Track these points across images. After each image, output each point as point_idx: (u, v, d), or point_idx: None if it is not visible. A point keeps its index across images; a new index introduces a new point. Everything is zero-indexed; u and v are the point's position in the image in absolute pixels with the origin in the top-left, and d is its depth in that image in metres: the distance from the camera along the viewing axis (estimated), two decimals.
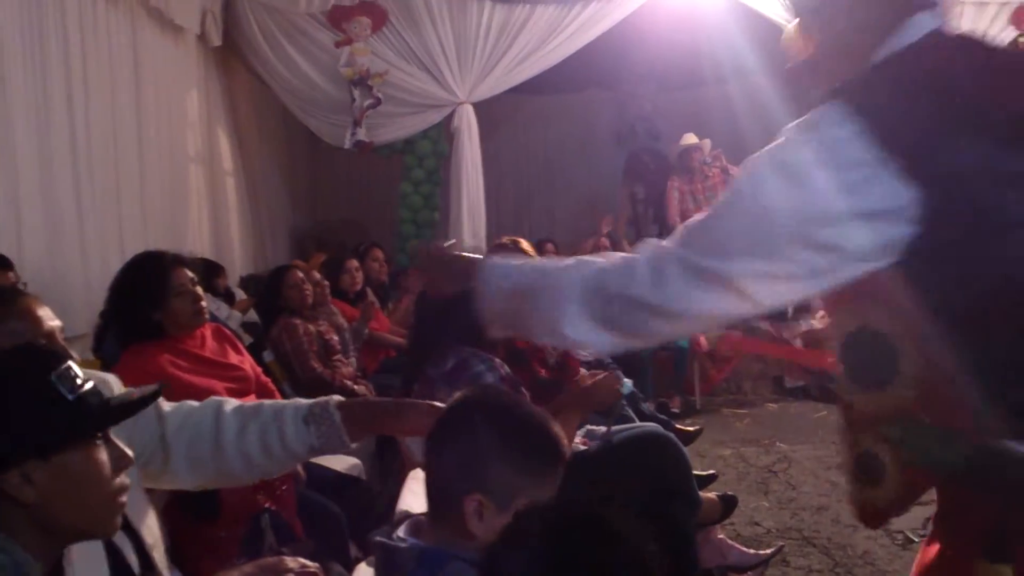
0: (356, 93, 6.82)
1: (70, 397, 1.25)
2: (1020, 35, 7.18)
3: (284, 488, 2.75)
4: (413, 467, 2.67)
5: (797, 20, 1.55)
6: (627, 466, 2.80)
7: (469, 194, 7.21)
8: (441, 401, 2.49)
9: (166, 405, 1.85)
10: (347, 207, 8.86)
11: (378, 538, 1.52)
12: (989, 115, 1.25)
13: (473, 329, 2.67)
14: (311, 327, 4.56)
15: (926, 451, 1.37)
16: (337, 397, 1.87)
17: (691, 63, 8.68)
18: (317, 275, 4.99)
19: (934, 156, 1.22)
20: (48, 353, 1.31)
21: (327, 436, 1.80)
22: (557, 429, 1.54)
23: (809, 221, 1.26)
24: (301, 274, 4.66)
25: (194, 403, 1.89)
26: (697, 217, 1.40)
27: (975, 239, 1.22)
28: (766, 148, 1.33)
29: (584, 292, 1.44)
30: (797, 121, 1.33)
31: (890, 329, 1.36)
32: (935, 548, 1.43)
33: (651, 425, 3.41)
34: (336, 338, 4.70)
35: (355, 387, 4.47)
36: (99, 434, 1.31)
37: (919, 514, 3.29)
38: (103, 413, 1.30)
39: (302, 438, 1.80)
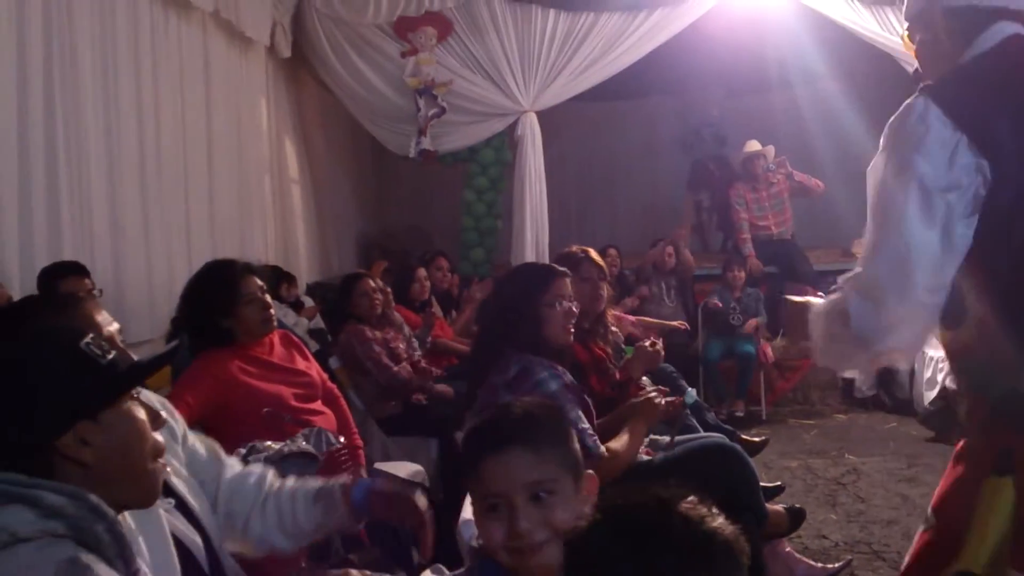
0: (421, 102, 6.88)
1: (103, 361, 1.35)
2: None
3: None
4: None
5: (908, 25, 1.83)
6: (691, 477, 2.77)
7: (532, 202, 7.22)
8: None
9: (229, 470, 1.96)
10: (412, 215, 8.94)
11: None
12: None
13: (535, 338, 2.70)
14: (378, 334, 4.61)
15: (979, 382, 1.66)
16: (345, 479, 1.96)
17: (757, 68, 8.58)
18: (380, 283, 5.05)
19: (997, 136, 1.54)
20: (73, 327, 1.41)
21: (335, 516, 1.89)
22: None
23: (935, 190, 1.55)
24: (372, 283, 4.72)
25: (249, 474, 1.98)
26: None
27: (1020, 204, 1.53)
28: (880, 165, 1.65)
29: None
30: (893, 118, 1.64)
31: (961, 278, 1.60)
32: (960, 469, 1.70)
33: (716, 436, 3.37)
34: (402, 345, 4.75)
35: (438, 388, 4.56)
36: (135, 392, 1.41)
37: None
38: (135, 370, 1.41)
39: (311, 517, 1.90)
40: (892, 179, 1.60)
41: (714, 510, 1.20)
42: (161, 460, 1.45)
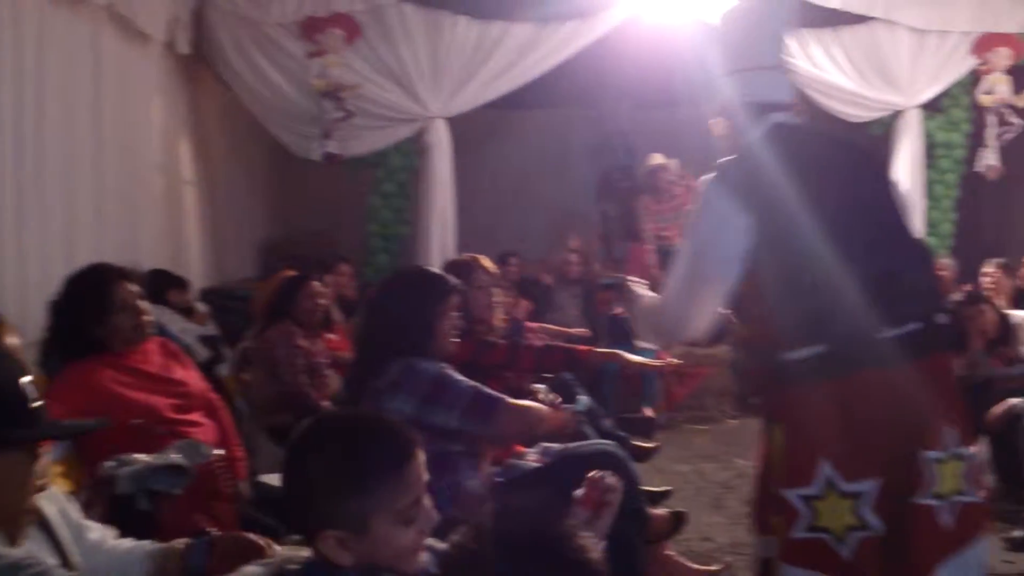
0: (327, 105, 6.81)
1: (30, 405, 1.42)
2: (981, 63, 7.27)
3: (223, 507, 2.75)
4: None
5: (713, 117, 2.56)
6: (572, 483, 2.82)
7: (440, 209, 7.22)
8: (394, 412, 2.53)
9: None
10: (316, 220, 8.81)
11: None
12: (794, 187, 2.22)
13: (424, 347, 2.71)
14: (305, 343, 4.51)
15: (760, 359, 2.40)
16: (184, 541, 1.97)
17: (666, 83, 8.70)
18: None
19: (762, 198, 2.23)
20: (21, 363, 1.50)
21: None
22: (392, 428, 1.56)
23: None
24: (319, 288, 4.64)
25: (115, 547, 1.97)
26: None
27: (774, 249, 2.23)
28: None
29: None
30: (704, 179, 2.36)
31: (747, 290, 2.31)
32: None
33: (601, 442, 3.43)
34: (323, 361, 4.63)
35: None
36: (39, 446, 1.45)
37: None
38: (53, 427, 1.49)
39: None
40: (691, 230, 2.38)
41: (591, 536, 1.28)
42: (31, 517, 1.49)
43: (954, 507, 2.12)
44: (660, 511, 3.50)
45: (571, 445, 3.14)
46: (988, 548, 2.29)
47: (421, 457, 1.54)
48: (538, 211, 10.13)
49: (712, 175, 2.30)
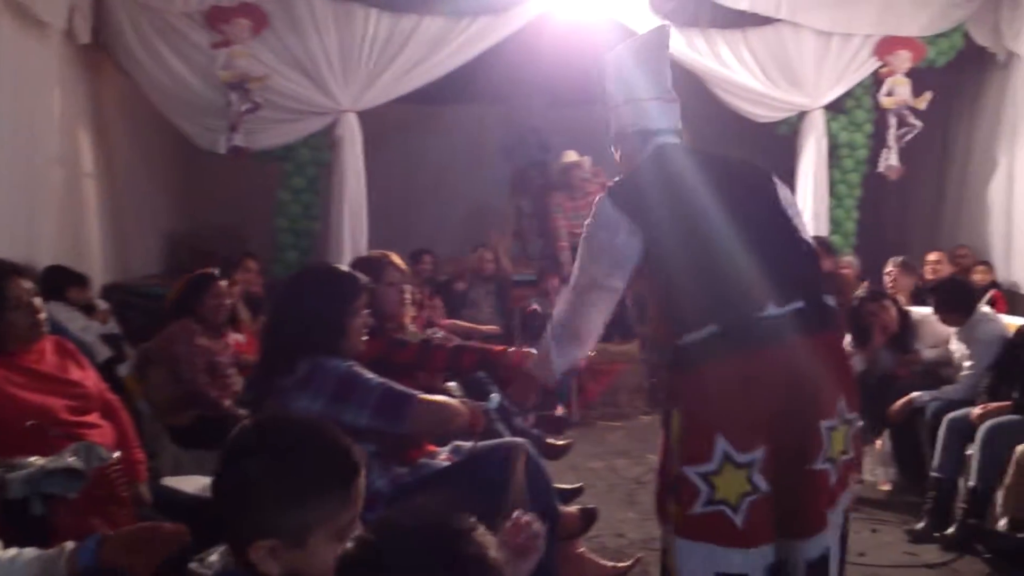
0: (233, 97, 6.64)
1: None
2: (882, 65, 7.51)
3: (122, 511, 2.64)
4: None
5: (612, 143, 2.88)
6: (484, 482, 2.80)
7: (351, 204, 7.11)
8: (300, 411, 2.46)
9: None
10: (223, 214, 8.57)
11: (191, 566, 1.48)
12: (675, 199, 2.60)
13: (334, 347, 2.65)
14: (205, 342, 4.39)
15: (659, 353, 2.96)
16: (71, 544, 1.89)
17: (580, 80, 8.74)
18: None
19: (647, 214, 2.56)
20: None
21: None
22: (341, 442, 1.50)
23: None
24: (225, 288, 4.54)
25: None
26: None
27: (662, 254, 2.54)
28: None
29: None
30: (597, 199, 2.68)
31: (646, 295, 2.75)
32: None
33: (511, 440, 3.40)
34: (225, 361, 4.52)
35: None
36: None
37: None
38: None
39: None
40: (586, 240, 2.68)
41: (490, 538, 1.29)
42: None
43: (837, 466, 2.45)
44: (571, 509, 3.49)
45: (482, 444, 3.10)
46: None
47: (363, 473, 1.50)
48: (452, 207, 10.09)
49: (605, 193, 2.67)
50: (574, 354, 2.83)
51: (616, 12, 7.13)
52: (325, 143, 7.13)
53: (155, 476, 3.19)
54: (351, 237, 7.09)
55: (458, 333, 5.79)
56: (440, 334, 5.44)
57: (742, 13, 7.21)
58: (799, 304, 2.44)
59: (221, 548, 1.62)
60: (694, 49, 7.27)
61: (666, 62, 2.86)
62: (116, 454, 2.65)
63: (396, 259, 3.52)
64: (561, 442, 4.95)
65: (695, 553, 2.40)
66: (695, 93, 7.97)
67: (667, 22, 6.97)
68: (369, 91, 7.03)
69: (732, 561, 2.36)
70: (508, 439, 3.13)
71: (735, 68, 7.38)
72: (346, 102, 6.98)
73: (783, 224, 2.64)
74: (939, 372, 4.95)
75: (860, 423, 2.60)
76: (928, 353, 5.04)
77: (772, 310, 2.41)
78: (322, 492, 1.42)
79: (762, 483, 2.37)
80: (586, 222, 2.69)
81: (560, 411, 6.63)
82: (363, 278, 2.76)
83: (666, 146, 2.72)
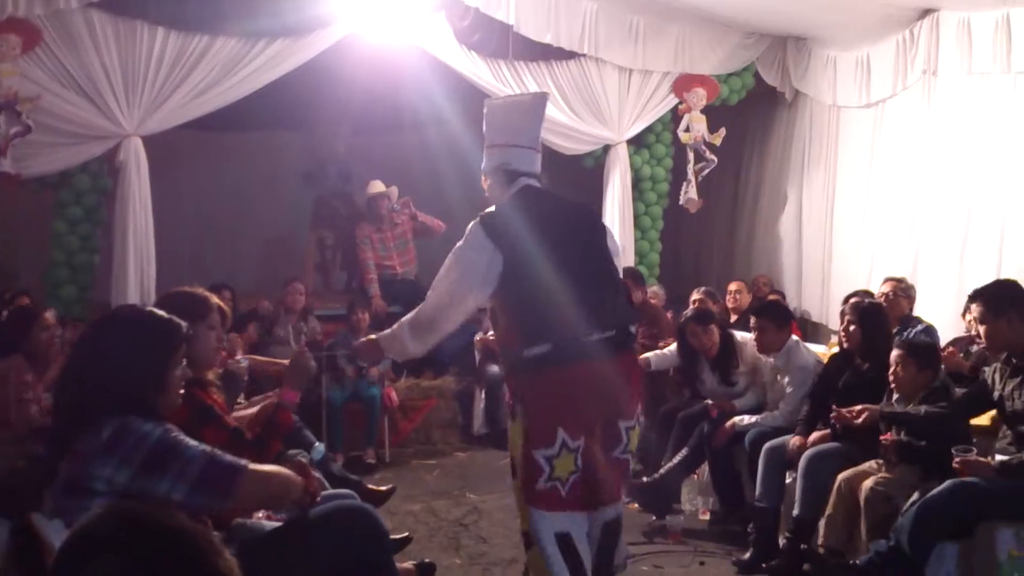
0: (1, 119, 5.95)
1: None
2: (680, 102, 7.79)
3: None
4: None
5: (484, 176, 3.46)
6: (321, 543, 2.51)
7: (137, 235, 6.52)
8: (103, 479, 2.07)
9: None
10: None
11: None
12: (532, 234, 3.16)
13: (150, 404, 2.26)
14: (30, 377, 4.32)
15: (506, 359, 3.35)
16: None
17: (386, 109, 8.57)
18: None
19: (510, 241, 3.13)
20: None
21: None
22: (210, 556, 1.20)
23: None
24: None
25: None
26: None
27: (516, 279, 3.13)
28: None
29: None
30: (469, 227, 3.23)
31: (498, 307, 3.28)
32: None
33: (345, 494, 3.11)
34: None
35: None
36: None
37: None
38: None
39: None
40: (457, 260, 3.23)
41: None
42: None
43: (631, 457, 3.43)
44: (407, 565, 3.24)
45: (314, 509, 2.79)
46: None
47: None
48: (248, 238, 9.59)
49: (478, 221, 3.23)
50: (423, 348, 3.46)
51: (421, 39, 6.99)
52: (106, 169, 6.55)
53: None
54: (136, 271, 6.50)
55: (258, 369, 5.41)
56: (244, 363, 5.06)
57: (547, 47, 7.28)
58: (612, 332, 3.25)
59: None
60: (500, 80, 7.25)
61: (540, 121, 3.52)
62: None
63: (217, 300, 3.13)
64: (382, 489, 4.72)
65: (544, 518, 3.18)
66: None
67: (475, 55, 7.12)
68: (155, 115, 6.53)
69: (562, 523, 3.18)
70: (338, 493, 2.82)
71: None
72: (129, 126, 6.45)
73: (608, 265, 3.40)
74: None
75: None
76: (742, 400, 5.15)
77: (595, 335, 3.20)
78: None
79: (582, 465, 3.19)
80: (458, 244, 3.26)
81: (369, 458, 6.35)
82: (183, 324, 2.39)
83: (529, 187, 3.35)
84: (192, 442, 2.22)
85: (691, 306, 6.34)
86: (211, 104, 6.67)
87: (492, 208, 3.30)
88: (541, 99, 3.61)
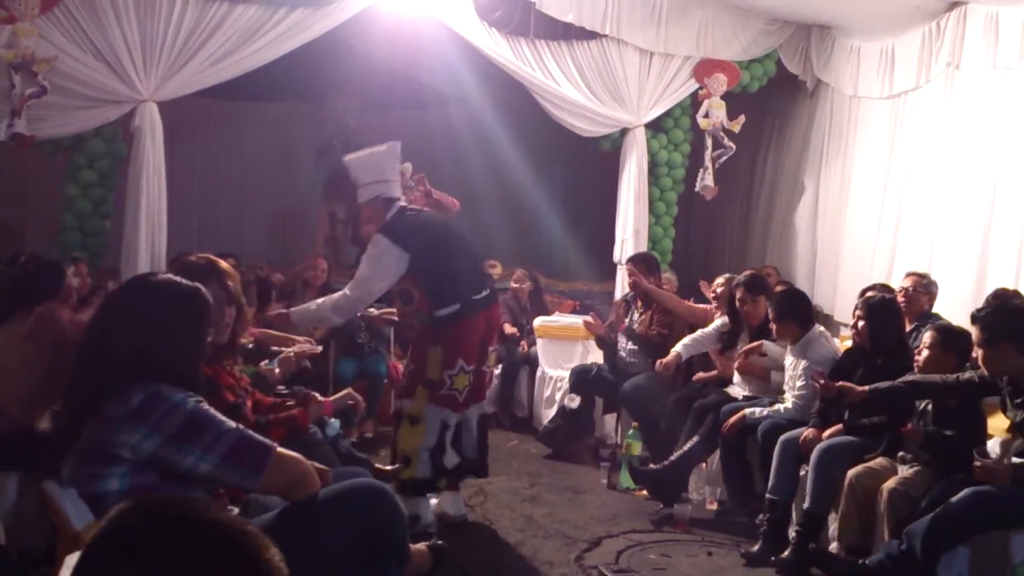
0: (17, 78, 5.93)
1: None
2: (700, 87, 7.71)
3: None
4: (70, 539, 2.16)
5: (362, 205, 4.67)
6: (339, 521, 2.47)
7: (149, 202, 6.50)
8: (129, 446, 2.05)
9: None
10: (0, 210, 7.69)
11: None
12: (422, 236, 4.53)
13: (182, 372, 2.25)
14: None
15: (422, 319, 4.59)
16: None
17: (399, 84, 8.50)
18: None
19: (412, 243, 4.44)
20: None
21: None
22: (243, 535, 1.12)
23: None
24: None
25: None
26: None
27: (424, 266, 4.47)
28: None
29: None
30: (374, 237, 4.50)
31: (410, 288, 4.53)
32: (415, 348, 4.72)
33: (354, 470, 3.09)
34: None
35: None
36: None
37: (611, 547, 4.47)
38: None
39: None
40: (372, 262, 4.45)
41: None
42: None
43: (491, 371, 5.02)
44: (420, 547, 3.21)
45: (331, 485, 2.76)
46: None
47: None
48: (258, 209, 9.56)
49: (382, 232, 4.46)
50: (340, 321, 5.07)
51: (441, 12, 6.92)
52: (121, 134, 6.52)
53: None
54: (148, 238, 6.47)
55: (267, 343, 5.35)
56: (251, 345, 5.01)
57: (568, 26, 7.21)
58: (487, 291, 4.68)
59: None
60: (520, 58, 7.18)
61: (397, 161, 4.86)
62: None
63: (225, 265, 3.09)
64: (388, 468, 4.68)
65: (436, 413, 4.50)
66: (522, 107, 7.91)
67: (494, 28, 7.05)
68: (172, 81, 6.49)
69: (446, 416, 4.53)
70: (359, 480, 2.78)
71: (560, 80, 7.35)
72: (146, 91, 6.41)
73: (470, 246, 4.83)
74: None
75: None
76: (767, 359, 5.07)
77: (482, 293, 4.61)
78: None
79: (473, 380, 4.58)
80: (370, 250, 4.48)
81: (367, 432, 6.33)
82: (207, 292, 2.36)
83: (403, 207, 4.66)
84: (223, 417, 2.20)
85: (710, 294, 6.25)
86: (229, 72, 6.63)
87: (388, 223, 4.50)
88: (394, 147, 4.77)
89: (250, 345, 5.01)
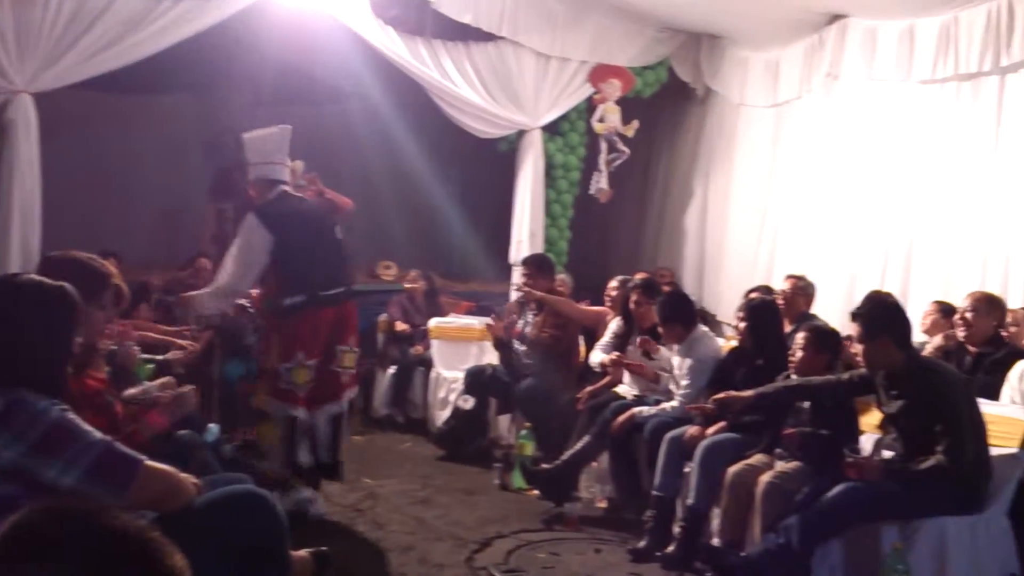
0: None
1: None
2: (595, 92, 7.81)
3: None
4: None
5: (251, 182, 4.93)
6: (215, 530, 2.38)
7: (23, 198, 6.18)
8: None
9: None
10: None
11: None
12: (291, 222, 4.69)
13: (47, 377, 2.14)
14: None
15: (273, 307, 4.74)
16: None
17: (296, 79, 8.33)
18: None
19: (279, 228, 4.59)
20: None
21: None
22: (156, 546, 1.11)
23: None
24: None
25: None
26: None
27: (283, 252, 4.59)
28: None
29: None
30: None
31: (276, 275, 4.69)
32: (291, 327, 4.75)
33: (240, 479, 2.99)
34: None
35: None
36: None
37: (501, 547, 4.41)
38: None
39: None
40: (243, 246, 4.63)
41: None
42: None
43: (346, 373, 4.83)
44: (301, 553, 3.12)
45: (203, 480, 2.67)
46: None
47: None
48: (144, 207, 9.21)
49: (255, 214, 4.62)
50: (223, 307, 4.95)
51: (335, 9, 6.82)
52: None
53: None
54: (20, 236, 6.16)
55: (148, 342, 5.16)
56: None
57: (465, 27, 7.20)
58: (342, 289, 4.76)
59: None
60: (417, 58, 7.14)
61: (287, 144, 4.94)
62: None
63: (118, 279, 2.96)
64: (275, 473, 4.58)
65: (278, 408, 4.63)
66: (421, 106, 7.85)
67: (390, 27, 6.98)
68: (49, 71, 6.17)
69: (287, 411, 4.62)
70: (236, 487, 2.69)
71: (457, 81, 7.35)
72: (20, 81, 6.07)
73: (337, 244, 4.88)
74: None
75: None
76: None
77: (333, 290, 4.68)
78: None
79: (311, 376, 4.63)
80: (241, 231, 4.65)
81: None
82: (76, 293, 2.24)
83: (284, 191, 4.79)
84: (89, 428, 2.09)
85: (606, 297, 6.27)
86: (111, 63, 6.35)
87: (263, 204, 4.68)
88: (286, 130, 4.96)
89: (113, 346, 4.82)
